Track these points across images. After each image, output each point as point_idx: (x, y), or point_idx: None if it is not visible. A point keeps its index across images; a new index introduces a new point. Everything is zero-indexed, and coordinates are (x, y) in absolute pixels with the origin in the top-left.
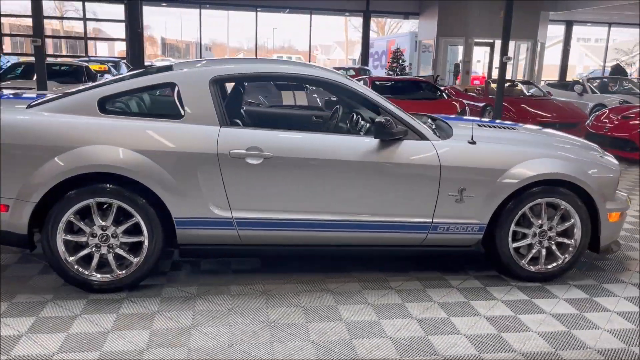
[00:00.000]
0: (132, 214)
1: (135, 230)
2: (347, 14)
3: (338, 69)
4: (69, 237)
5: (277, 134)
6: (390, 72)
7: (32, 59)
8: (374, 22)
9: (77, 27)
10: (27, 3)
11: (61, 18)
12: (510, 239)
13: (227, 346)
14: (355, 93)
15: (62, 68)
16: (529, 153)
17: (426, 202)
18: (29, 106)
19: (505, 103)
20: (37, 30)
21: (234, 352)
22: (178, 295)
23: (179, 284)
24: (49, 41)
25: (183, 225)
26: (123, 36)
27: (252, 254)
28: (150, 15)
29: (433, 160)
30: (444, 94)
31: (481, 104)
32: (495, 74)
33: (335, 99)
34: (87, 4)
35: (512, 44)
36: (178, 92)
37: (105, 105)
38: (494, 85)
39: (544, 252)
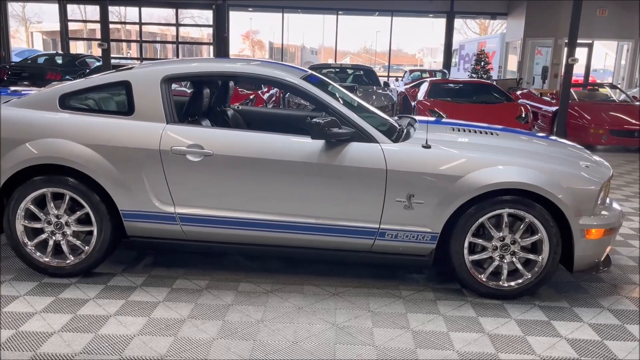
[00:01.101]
0: (83, 204)
1: (87, 220)
2: (430, 15)
3: (413, 71)
4: (25, 224)
5: (220, 132)
6: (474, 75)
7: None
8: (475, 23)
9: (192, 32)
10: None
11: (145, 24)
12: (466, 250)
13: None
14: (304, 92)
15: None
16: (490, 160)
17: (372, 206)
18: (6, 102)
19: (578, 108)
20: (104, 35)
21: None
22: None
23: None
24: (169, 47)
25: (129, 218)
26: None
27: (198, 250)
28: (259, 20)
29: (379, 163)
30: (506, 97)
31: (553, 109)
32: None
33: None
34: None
35: (613, 44)
36: (131, 90)
37: (65, 102)
38: (577, 89)
39: (505, 267)
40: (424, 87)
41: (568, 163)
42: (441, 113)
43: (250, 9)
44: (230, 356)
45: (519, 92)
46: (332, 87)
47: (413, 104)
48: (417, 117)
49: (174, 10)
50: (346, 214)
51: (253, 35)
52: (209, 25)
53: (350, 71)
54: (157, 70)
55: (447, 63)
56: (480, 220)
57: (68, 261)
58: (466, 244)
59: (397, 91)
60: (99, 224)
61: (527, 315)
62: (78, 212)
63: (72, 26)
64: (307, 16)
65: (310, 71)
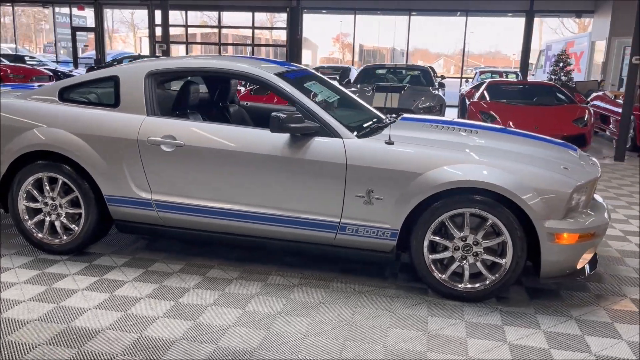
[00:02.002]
0: (73, 188)
1: (78, 203)
2: (509, 14)
3: (483, 72)
4: (26, 204)
5: (192, 124)
6: (553, 77)
7: None
8: (574, 22)
9: (282, 35)
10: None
11: (224, 27)
12: (426, 249)
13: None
14: (274, 87)
15: None
16: (451, 158)
17: (333, 201)
18: (19, 94)
19: None
20: (165, 38)
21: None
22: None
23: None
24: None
25: (112, 203)
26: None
27: (173, 235)
28: (348, 23)
29: (340, 158)
30: (568, 99)
31: None
32: None
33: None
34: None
35: None
36: (118, 84)
37: (64, 94)
38: None
39: (467, 268)
40: (481, 89)
41: (543, 164)
42: (494, 114)
43: (324, 11)
44: (239, 343)
45: (593, 95)
46: (313, 83)
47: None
48: (408, 115)
49: (251, 13)
50: (308, 207)
51: (343, 38)
52: (283, 28)
53: (404, 71)
54: (143, 66)
55: (524, 65)
56: (440, 218)
57: (61, 240)
58: (426, 242)
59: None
60: (87, 208)
61: (481, 318)
62: (69, 196)
63: (173, 31)
64: (397, 18)
65: (293, 67)
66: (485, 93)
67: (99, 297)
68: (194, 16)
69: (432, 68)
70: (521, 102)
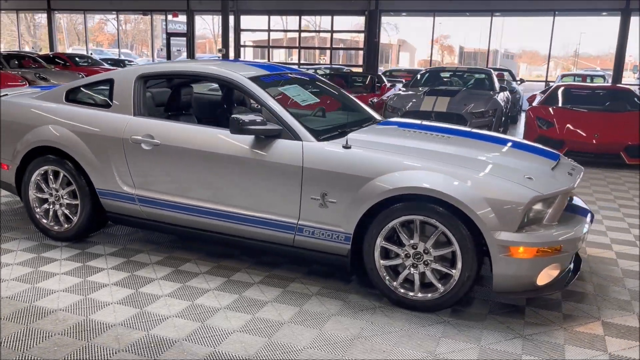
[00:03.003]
0: (71, 181)
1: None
2: (604, 13)
3: (565, 75)
4: (35, 193)
5: (170, 125)
6: None
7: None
8: None
9: (358, 38)
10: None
11: (304, 31)
12: (377, 255)
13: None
14: (244, 90)
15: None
16: (406, 164)
17: (291, 202)
18: (38, 95)
19: None
20: (224, 42)
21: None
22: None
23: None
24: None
25: (103, 196)
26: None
27: (154, 229)
28: (450, 25)
29: (297, 161)
30: None
31: None
32: None
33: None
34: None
35: None
36: (113, 86)
37: (69, 95)
38: None
39: (417, 277)
40: (546, 93)
41: (504, 173)
42: (551, 121)
43: (404, 14)
44: (237, 349)
45: None
46: (293, 87)
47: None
48: (396, 120)
49: (330, 17)
50: (269, 208)
51: (443, 40)
52: (361, 31)
53: (465, 75)
54: (135, 70)
55: (618, 67)
56: (391, 224)
57: (60, 228)
58: (377, 248)
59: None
60: (82, 200)
61: (423, 329)
62: (68, 188)
63: (274, 35)
64: (504, 19)
65: (281, 70)
66: (550, 98)
67: (123, 293)
68: (294, 21)
69: (509, 71)
70: (588, 108)
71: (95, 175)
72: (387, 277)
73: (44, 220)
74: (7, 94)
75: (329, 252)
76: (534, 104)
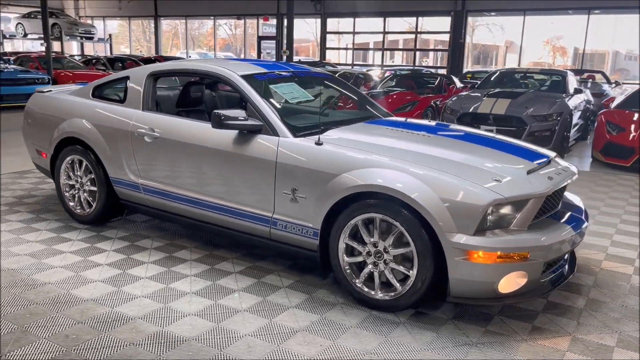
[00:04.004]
0: (91, 170)
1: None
2: None
3: None
4: (65, 180)
5: (171, 119)
6: None
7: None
8: None
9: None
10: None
11: (388, 32)
12: (342, 252)
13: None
14: (235, 86)
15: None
16: (371, 162)
17: (266, 196)
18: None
19: None
20: (289, 44)
21: None
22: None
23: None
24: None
25: (116, 184)
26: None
27: (156, 216)
28: (561, 24)
29: (272, 156)
30: None
31: None
32: None
33: None
34: (420, 18)
35: None
36: (127, 83)
37: (95, 92)
38: None
39: (376, 275)
40: (623, 97)
41: (469, 174)
42: (622, 127)
43: (493, 14)
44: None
45: None
46: (288, 85)
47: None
48: (392, 118)
49: (415, 18)
50: (248, 201)
51: (555, 41)
52: (446, 32)
53: (536, 76)
54: (148, 68)
55: None
56: (354, 221)
57: (83, 211)
58: (342, 245)
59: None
60: (99, 187)
61: (371, 327)
62: (90, 176)
63: (376, 38)
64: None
65: (279, 69)
66: (627, 101)
67: (110, 273)
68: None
69: (602, 73)
70: None
71: (109, 164)
72: (351, 274)
73: (71, 204)
74: (50, 90)
75: (301, 247)
76: (611, 107)
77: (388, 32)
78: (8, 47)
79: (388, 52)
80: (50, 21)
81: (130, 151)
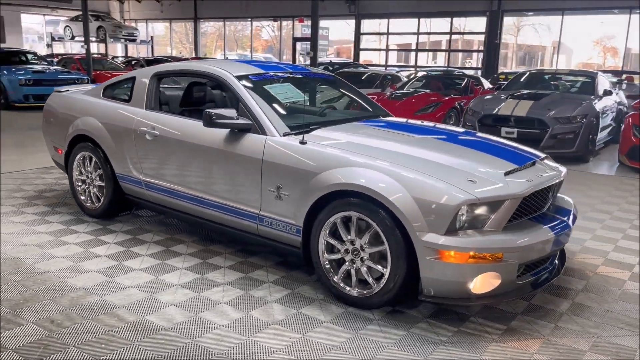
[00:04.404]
0: (100, 166)
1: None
2: None
3: None
4: (76, 175)
5: (169, 118)
6: None
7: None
8: None
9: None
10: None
11: (422, 33)
12: (322, 249)
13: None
14: (228, 86)
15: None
16: (349, 161)
17: (253, 193)
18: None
19: None
20: (313, 45)
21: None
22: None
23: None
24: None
25: (121, 180)
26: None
27: (159, 211)
28: (611, 24)
29: (259, 154)
30: None
31: None
32: None
33: None
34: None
35: None
36: (134, 83)
37: (106, 91)
38: None
39: (353, 272)
40: None
41: (443, 174)
42: None
43: (530, 14)
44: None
45: None
46: (282, 85)
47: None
48: (385, 118)
49: (450, 19)
50: (237, 197)
51: (606, 41)
52: (481, 33)
53: (564, 77)
54: (153, 69)
55: None
56: (332, 219)
57: (93, 205)
58: (322, 242)
59: None
60: (107, 182)
61: (344, 323)
62: (99, 171)
63: (422, 39)
64: None
65: (269, 71)
66: None
67: (107, 264)
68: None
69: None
70: None
71: (115, 161)
72: (330, 271)
73: (82, 198)
74: (68, 89)
75: (286, 244)
76: None
77: (421, 33)
78: (60, 48)
79: (430, 53)
80: (96, 24)
81: (134, 148)
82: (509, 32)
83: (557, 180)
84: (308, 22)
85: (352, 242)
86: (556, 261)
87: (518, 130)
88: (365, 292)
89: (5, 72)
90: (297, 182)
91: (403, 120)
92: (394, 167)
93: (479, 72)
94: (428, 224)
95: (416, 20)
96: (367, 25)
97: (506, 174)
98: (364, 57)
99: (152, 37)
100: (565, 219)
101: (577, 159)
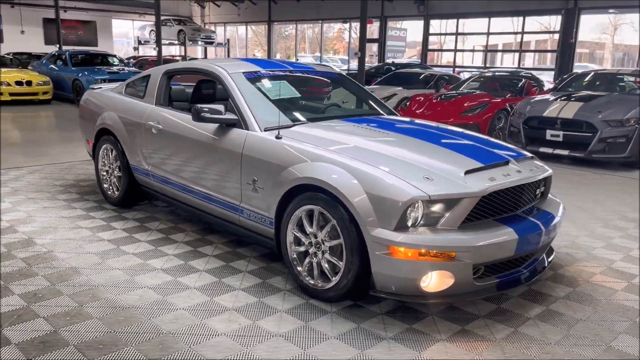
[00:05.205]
0: (118, 157)
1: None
2: None
3: None
4: (100, 165)
5: (172, 113)
6: None
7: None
8: None
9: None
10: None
11: (493, 33)
12: (289, 241)
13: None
14: (222, 82)
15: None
16: (314, 155)
17: (235, 186)
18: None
19: None
20: (361, 46)
21: None
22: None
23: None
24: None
25: (134, 171)
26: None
27: (164, 201)
28: None
29: (239, 148)
30: None
31: None
32: None
33: None
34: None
35: None
36: (148, 80)
37: (127, 88)
38: None
39: (315, 265)
40: None
41: (400, 170)
42: None
43: (611, 10)
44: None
45: None
46: (272, 83)
47: None
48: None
49: (522, 18)
50: (223, 189)
51: None
52: (555, 32)
53: (618, 76)
54: (165, 67)
55: None
56: (297, 213)
57: (113, 194)
58: (289, 234)
59: None
60: (123, 173)
61: (295, 313)
62: (117, 163)
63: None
64: None
65: (268, 68)
66: None
67: (105, 247)
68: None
69: None
70: None
71: (129, 152)
72: (296, 263)
73: (105, 186)
74: (101, 87)
75: (262, 235)
76: None
77: (492, 33)
78: (151, 51)
79: (519, 54)
80: (177, 28)
81: (143, 141)
82: (605, 32)
83: (530, 181)
84: (377, 24)
85: (315, 236)
86: (540, 265)
87: (564, 134)
88: (325, 284)
89: (85, 72)
90: (269, 175)
91: (396, 118)
92: (353, 162)
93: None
94: (379, 219)
95: (486, 20)
96: (443, 25)
97: (467, 172)
98: (446, 58)
99: (228, 40)
100: (536, 221)
101: (629, 165)
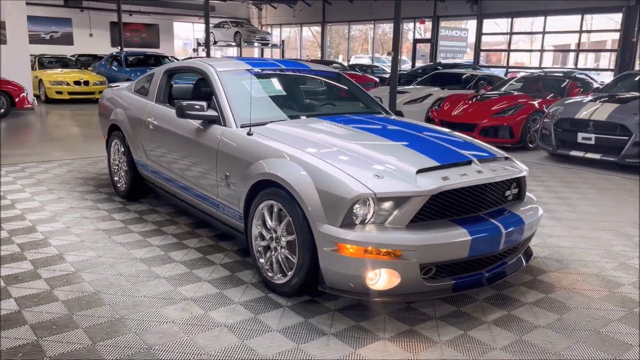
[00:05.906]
0: (124, 152)
1: None
2: None
3: None
4: (112, 160)
5: (164, 109)
6: None
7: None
8: None
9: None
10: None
11: (549, 32)
12: (253, 235)
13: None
14: (209, 81)
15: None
16: (278, 151)
17: (212, 180)
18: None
19: None
20: (395, 46)
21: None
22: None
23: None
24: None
25: (138, 166)
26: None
27: (162, 196)
28: None
29: (215, 144)
30: None
31: None
32: None
33: None
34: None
35: None
36: (152, 78)
37: (136, 86)
38: None
39: (273, 259)
40: None
41: (351, 167)
42: None
43: None
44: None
45: None
46: (259, 81)
47: None
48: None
49: (580, 16)
50: (202, 183)
51: None
52: (616, 30)
53: None
54: (166, 66)
55: None
56: (260, 207)
57: (121, 187)
58: (254, 229)
59: None
60: (129, 167)
61: (250, 306)
62: (124, 157)
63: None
64: None
65: (257, 67)
66: None
67: (99, 236)
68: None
69: None
70: None
71: (132, 147)
72: (259, 256)
73: (116, 178)
74: (118, 85)
75: (234, 228)
76: None
77: (548, 32)
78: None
79: (585, 54)
80: (234, 30)
81: (143, 137)
82: None
83: (492, 182)
84: (429, 24)
85: (275, 231)
86: (511, 269)
87: (596, 136)
88: (282, 279)
89: (138, 72)
90: (239, 170)
91: (380, 117)
92: (309, 159)
93: (586, 74)
94: (327, 215)
95: (542, 18)
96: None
97: (419, 171)
98: (515, 59)
99: (283, 41)
100: (497, 223)
101: None
